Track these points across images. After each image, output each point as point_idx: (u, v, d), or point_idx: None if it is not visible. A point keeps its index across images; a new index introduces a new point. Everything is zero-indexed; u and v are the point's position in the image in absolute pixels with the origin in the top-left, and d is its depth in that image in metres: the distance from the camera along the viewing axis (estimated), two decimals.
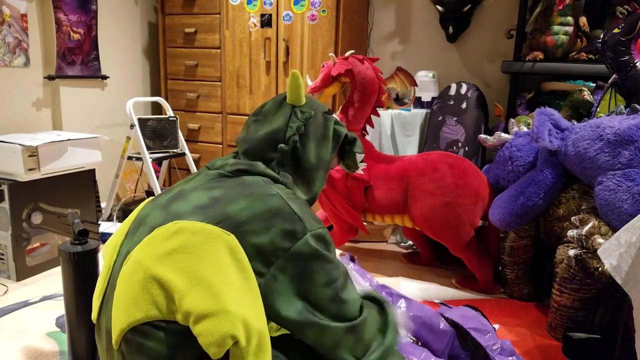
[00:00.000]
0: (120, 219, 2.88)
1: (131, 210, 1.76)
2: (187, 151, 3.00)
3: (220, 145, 3.20)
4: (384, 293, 1.67)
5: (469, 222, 2.12)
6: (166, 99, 3.24)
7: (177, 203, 1.00)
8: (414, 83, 2.82)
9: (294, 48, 2.86)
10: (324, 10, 2.75)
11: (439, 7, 2.93)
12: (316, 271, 0.97)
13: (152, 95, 3.44)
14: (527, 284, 2.07)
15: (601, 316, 1.70)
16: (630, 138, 1.66)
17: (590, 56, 2.51)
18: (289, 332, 1.03)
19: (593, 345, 1.60)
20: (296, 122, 1.14)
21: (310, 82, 2.32)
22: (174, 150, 2.94)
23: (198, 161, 3.24)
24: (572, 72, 2.50)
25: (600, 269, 1.61)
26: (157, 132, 2.87)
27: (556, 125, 1.93)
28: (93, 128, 3.00)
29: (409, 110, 2.87)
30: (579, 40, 2.58)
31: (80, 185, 2.41)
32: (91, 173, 2.47)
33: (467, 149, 2.77)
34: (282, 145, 1.12)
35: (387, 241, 2.85)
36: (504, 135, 2.20)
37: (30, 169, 2.13)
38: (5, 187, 2.08)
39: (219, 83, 3.11)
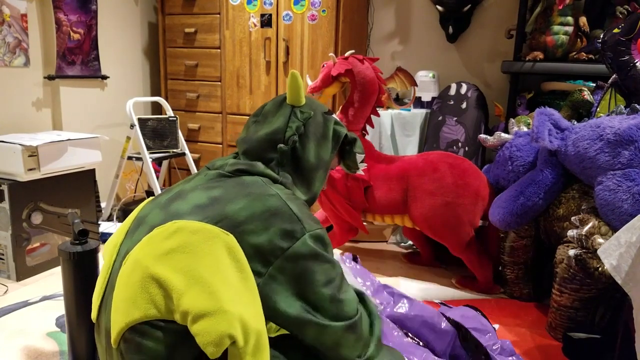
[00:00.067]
0: (120, 219, 2.88)
1: (131, 210, 1.77)
2: (187, 151, 3.00)
3: (220, 145, 3.20)
4: (385, 293, 1.66)
5: (469, 222, 2.12)
6: (166, 99, 3.24)
7: (176, 203, 1.01)
8: (414, 83, 2.82)
9: (294, 48, 2.86)
10: (324, 10, 2.75)
11: (439, 7, 2.93)
12: (315, 271, 0.97)
13: (152, 95, 3.45)
14: (527, 284, 2.07)
15: (601, 316, 1.70)
16: (630, 138, 1.66)
17: (590, 56, 2.51)
18: (288, 333, 1.03)
19: (593, 345, 1.60)
20: (296, 123, 1.14)
21: (310, 82, 2.32)
22: (174, 150, 2.94)
23: (198, 161, 3.24)
24: (572, 72, 2.50)
25: (600, 269, 1.61)
26: (157, 132, 2.87)
27: (556, 125, 1.93)
28: (93, 128, 3.00)
29: (409, 110, 2.87)
30: (579, 40, 2.58)
31: (80, 185, 2.41)
32: (91, 173, 2.48)
33: (467, 149, 2.77)
34: (282, 145, 1.12)
35: (387, 241, 2.85)
36: (504, 135, 2.20)
37: (30, 169, 2.13)
38: (5, 187, 2.08)
39: (219, 83, 3.11)
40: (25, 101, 2.57)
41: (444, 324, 1.47)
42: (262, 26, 2.90)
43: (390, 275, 2.34)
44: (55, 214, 1.97)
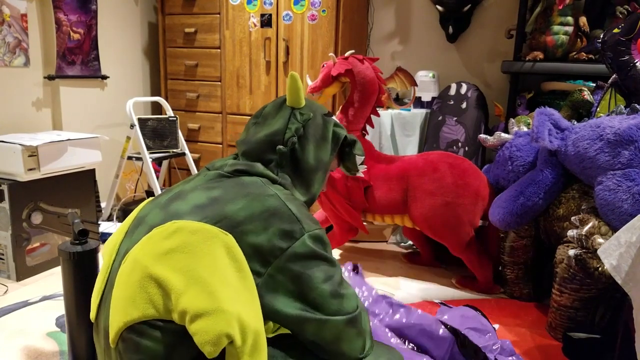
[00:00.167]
0: (120, 219, 2.89)
1: (131, 210, 1.77)
2: (187, 151, 3.00)
3: (220, 145, 3.20)
4: (384, 302, 1.66)
5: (469, 222, 2.12)
6: (166, 99, 3.24)
7: (176, 203, 1.01)
8: (414, 83, 2.82)
9: (294, 48, 2.86)
10: (324, 10, 2.75)
11: (439, 7, 2.93)
12: (314, 271, 0.97)
13: (152, 95, 3.45)
14: (527, 284, 2.07)
15: (601, 316, 1.70)
16: (630, 138, 1.66)
17: (590, 56, 2.51)
18: (286, 332, 1.03)
19: (593, 345, 1.60)
20: (295, 124, 1.15)
21: (310, 82, 2.32)
22: (174, 150, 2.94)
23: (198, 161, 3.24)
24: (572, 72, 2.50)
25: (600, 269, 1.61)
26: (157, 132, 2.87)
27: (556, 125, 1.93)
28: (93, 128, 3.00)
29: (409, 110, 2.87)
30: (579, 40, 2.58)
31: (80, 185, 2.41)
32: (91, 173, 2.48)
33: (467, 149, 2.77)
34: (281, 146, 1.13)
35: (387, 241, 2.85)
36: (504, 135, 2.20)
37: (30, 169, 2.13)
38: (5, 187, 2.08)
39: (219, 83, 3.11)
40: (25, 101, 2.57)
41: (442, 331, 1.47)
42: (262, 26, 2.90)
43: (390, 275, 2.34)
44: (55, 214, 1.97)
